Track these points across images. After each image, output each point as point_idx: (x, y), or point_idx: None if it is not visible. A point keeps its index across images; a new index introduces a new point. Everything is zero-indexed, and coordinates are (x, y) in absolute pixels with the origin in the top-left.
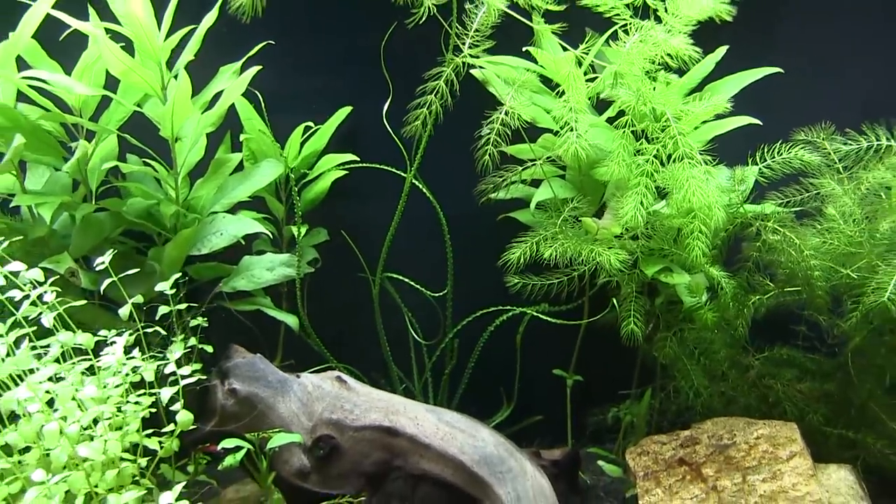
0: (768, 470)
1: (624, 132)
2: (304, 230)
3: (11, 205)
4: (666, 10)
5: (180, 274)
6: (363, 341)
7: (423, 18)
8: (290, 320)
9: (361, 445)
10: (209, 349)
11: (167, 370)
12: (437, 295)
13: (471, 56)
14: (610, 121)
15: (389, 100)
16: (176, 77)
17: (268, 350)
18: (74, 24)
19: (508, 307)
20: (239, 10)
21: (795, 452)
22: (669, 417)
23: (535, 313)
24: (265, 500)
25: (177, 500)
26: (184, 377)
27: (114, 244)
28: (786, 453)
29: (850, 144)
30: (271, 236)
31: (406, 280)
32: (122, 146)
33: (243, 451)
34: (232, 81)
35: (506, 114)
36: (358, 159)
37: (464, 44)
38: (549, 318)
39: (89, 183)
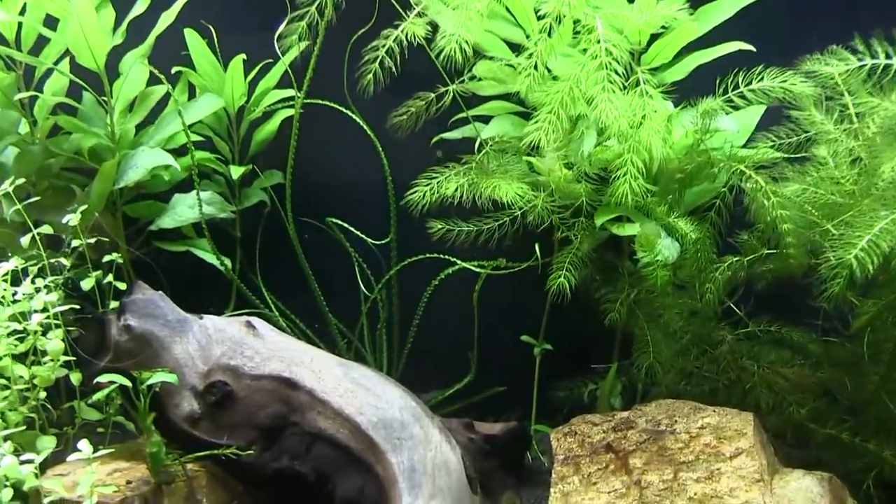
0: (706, 468)
1: (539, 38)
2: (240, 169)
3: None
4: None
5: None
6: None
7: None
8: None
9: (258, 395)
10: (122, 286)
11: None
12: (379, 243)
13: None
14: None
15: (284, 23)
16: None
17: (221, 299)
18: None
19: (453, 259)
20: None
21: (742, 450)
22: (639, 397)
23: (475, 268)
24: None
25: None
26: (54, 304)
27: (57, 178)
28: (730, 450)
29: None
30: (178, 168)
31: (348, 227)
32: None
33: (113, 387)
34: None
35: (403, 31)
36: (298, 95)
37: None
38: (473, 268)
39: (36, 118)
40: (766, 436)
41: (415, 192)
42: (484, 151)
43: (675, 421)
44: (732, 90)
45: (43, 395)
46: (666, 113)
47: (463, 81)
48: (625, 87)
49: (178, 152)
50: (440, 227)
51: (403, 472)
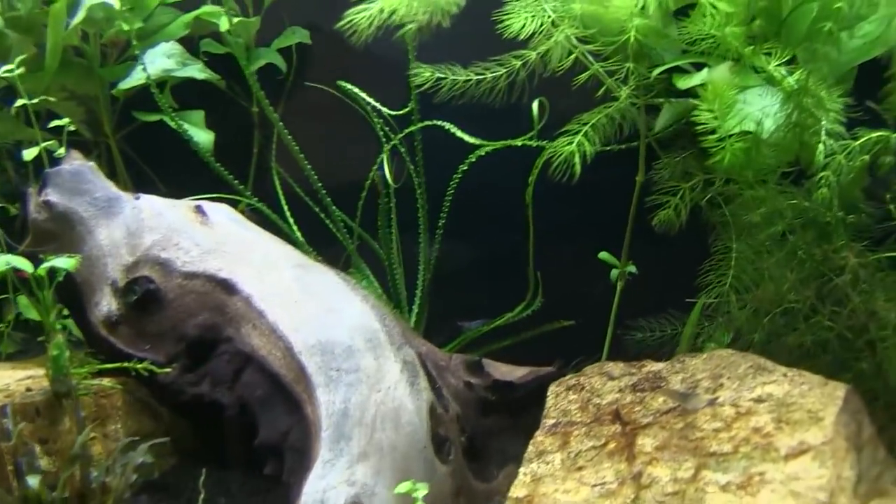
0: (743, 468)
1: None
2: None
3: None
4: None
5: None
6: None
7: None
8: (201, 138)
9: (188, 299)
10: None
11: None
12: (395, 113)
13: None
14: None
15: None
16: None
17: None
18: None
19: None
20: None
21: (809, 447)
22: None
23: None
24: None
25: None
26: None
27: None
28: (790, 443)
29: None
30: (115, 6)
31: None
32: None
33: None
34: None
35: None
36: None
37: None
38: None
39: None
40: (872, 429)
41: (360, 10)
42: None
43: (721, 384)
44: None
45: None
46: None
47: None
48: None
49: (181, 6)
50: (428, 73)
51: (332, 415)
